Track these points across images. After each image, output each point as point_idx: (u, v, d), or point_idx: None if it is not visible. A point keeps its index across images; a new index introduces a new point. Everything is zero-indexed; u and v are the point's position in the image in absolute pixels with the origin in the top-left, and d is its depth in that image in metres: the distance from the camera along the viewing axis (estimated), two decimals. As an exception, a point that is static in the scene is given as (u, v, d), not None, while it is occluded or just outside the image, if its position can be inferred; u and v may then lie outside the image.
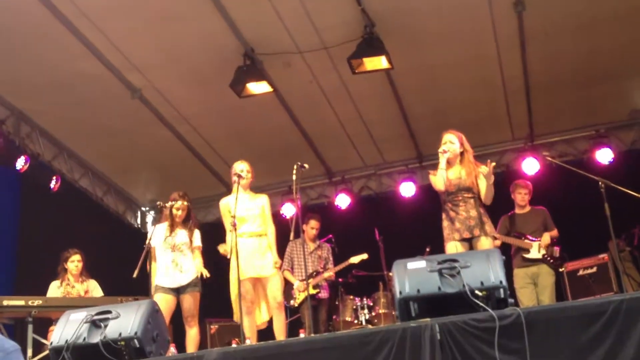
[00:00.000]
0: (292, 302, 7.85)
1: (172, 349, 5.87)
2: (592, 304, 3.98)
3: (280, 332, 6.21)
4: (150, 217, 10.76)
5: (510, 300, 4.20)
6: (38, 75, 7.54)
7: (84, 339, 4.55)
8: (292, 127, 8.97)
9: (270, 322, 6.36)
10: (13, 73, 7.46)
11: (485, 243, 5.46)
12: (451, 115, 8.48)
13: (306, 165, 6.21)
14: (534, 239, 7.23)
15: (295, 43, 7.39)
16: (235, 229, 6.01)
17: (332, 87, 8.17)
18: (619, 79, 8.37)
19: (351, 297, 8.18)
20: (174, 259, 6.27)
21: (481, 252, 4.72)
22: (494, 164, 5.64)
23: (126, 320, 4.56)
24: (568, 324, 3.86)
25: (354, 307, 8.10)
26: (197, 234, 6.49)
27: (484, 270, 4.20)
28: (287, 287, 7.58)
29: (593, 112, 9.03)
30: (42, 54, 7.23)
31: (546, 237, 7.20)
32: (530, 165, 9.15)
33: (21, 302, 6.32)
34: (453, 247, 5.50)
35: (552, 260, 7.20)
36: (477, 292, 4.11)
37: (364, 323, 7.92)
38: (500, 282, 4.15)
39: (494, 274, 4.18)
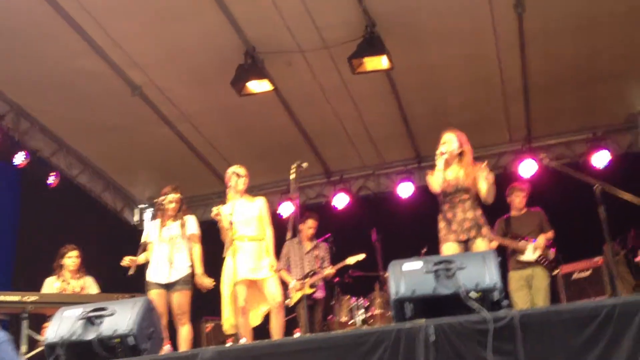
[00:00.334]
0: (287, 301, 7.84)
1: (168, 347, 5.88)
2: (586, 307, 3.98)
3: (277, 333, 6.14)
4: (148, 214, 10.76)
5: (505, 302, 4.20)
6: (38, 71, 7.54)
7: (79, 335, 4.52)
8: (291, 126, 8.98)
9: (266, 321, 6.31)
10: (13, 69, 7.48)
11: (481, 245, 5.42)
12: (450, 115, 8.49)
13: (305, 164, 6.16)
14: (529, 240, 7.24)
15: (296, 42, 7.40)
16: (232, 228, 5.98)
17: (333, 86, 8.17)
18: (618, 81, 8.38)
19: (347, 297, 8.16)
20: (168, 254, 6.17)
21: (477, 254, 4.70)
22: (486, 162, 5.62)
23: (121, 318, 4.53)
24: (562, 326, 3.86)
25: (350, 307, 8.08)
26: (190, 220, 6.38)
27: (480, 272, 4.20)
28: (283, 286, 7.57)
29: (591, 114, 9.03)
30: (42, 50, 7.24)
31: (541, 240, 7.21)
32: (528, 168, 9.14)
33: (16, 298, 6.21)
34: (449, 248, 5.47)
35: (546, 263, 7.22)
36: (472, 293, 4.11)
37: (359, 323, 7.91)
38: (496, 284, 4.15)
39: (490, 275, 4.18)
